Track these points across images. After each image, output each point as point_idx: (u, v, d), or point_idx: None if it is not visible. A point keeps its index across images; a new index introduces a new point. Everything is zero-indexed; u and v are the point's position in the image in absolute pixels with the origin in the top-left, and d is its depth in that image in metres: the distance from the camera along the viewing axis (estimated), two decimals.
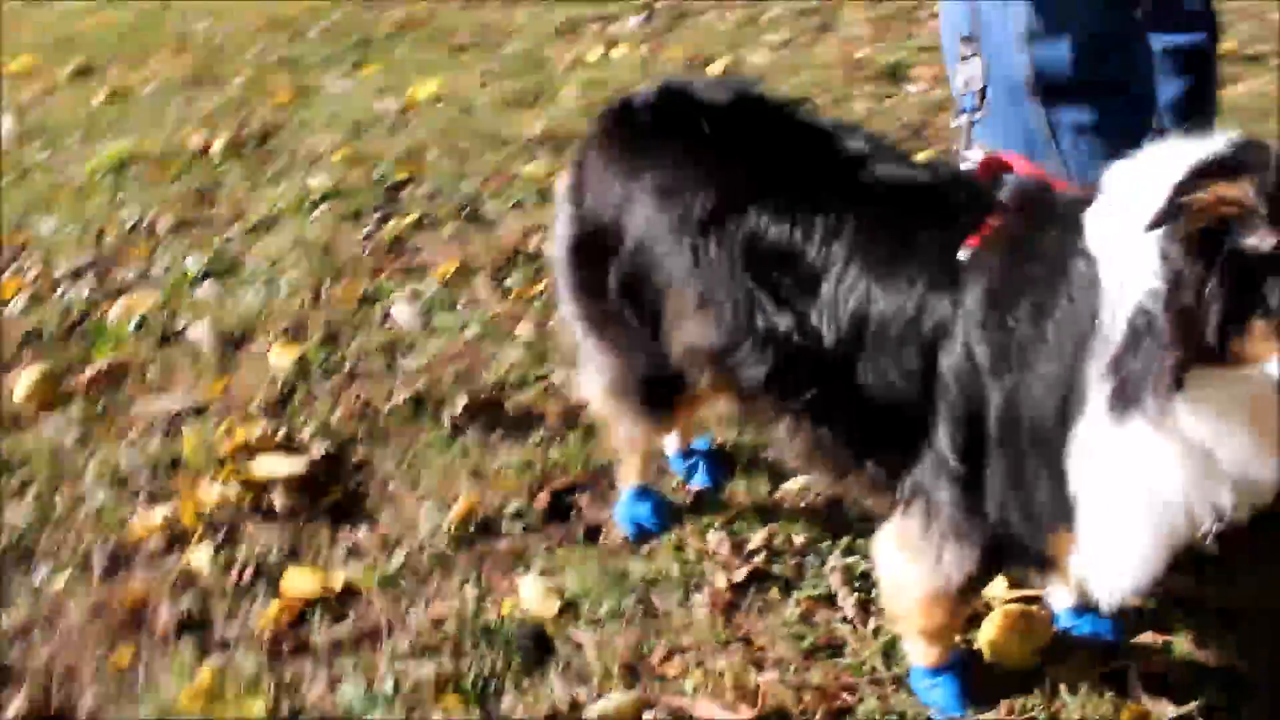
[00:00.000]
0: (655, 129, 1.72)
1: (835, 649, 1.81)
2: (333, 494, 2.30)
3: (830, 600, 1.90)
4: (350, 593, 2.06)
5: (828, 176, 1.54)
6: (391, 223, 3.32)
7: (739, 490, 2.18)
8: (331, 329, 2.83)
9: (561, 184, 1.90)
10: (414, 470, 2.36)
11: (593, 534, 2.14)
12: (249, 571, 2.11)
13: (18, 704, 1.87)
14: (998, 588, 1.82)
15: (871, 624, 1.82)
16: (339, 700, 1.83)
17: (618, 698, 1.78)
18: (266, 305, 2.95)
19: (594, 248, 1.76)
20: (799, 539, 2.03)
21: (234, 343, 2.83)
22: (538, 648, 1.89)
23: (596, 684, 1.82)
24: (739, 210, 1.55)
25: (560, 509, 2.22)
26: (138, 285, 3.09)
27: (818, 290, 1.49)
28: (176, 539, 2.20)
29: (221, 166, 3.76)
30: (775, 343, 1.54)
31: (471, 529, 2.19)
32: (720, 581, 1.97)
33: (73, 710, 1.88)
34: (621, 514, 2.10)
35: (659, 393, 1.85)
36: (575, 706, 1.79)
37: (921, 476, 1.46)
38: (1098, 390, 1.23)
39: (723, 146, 1.64)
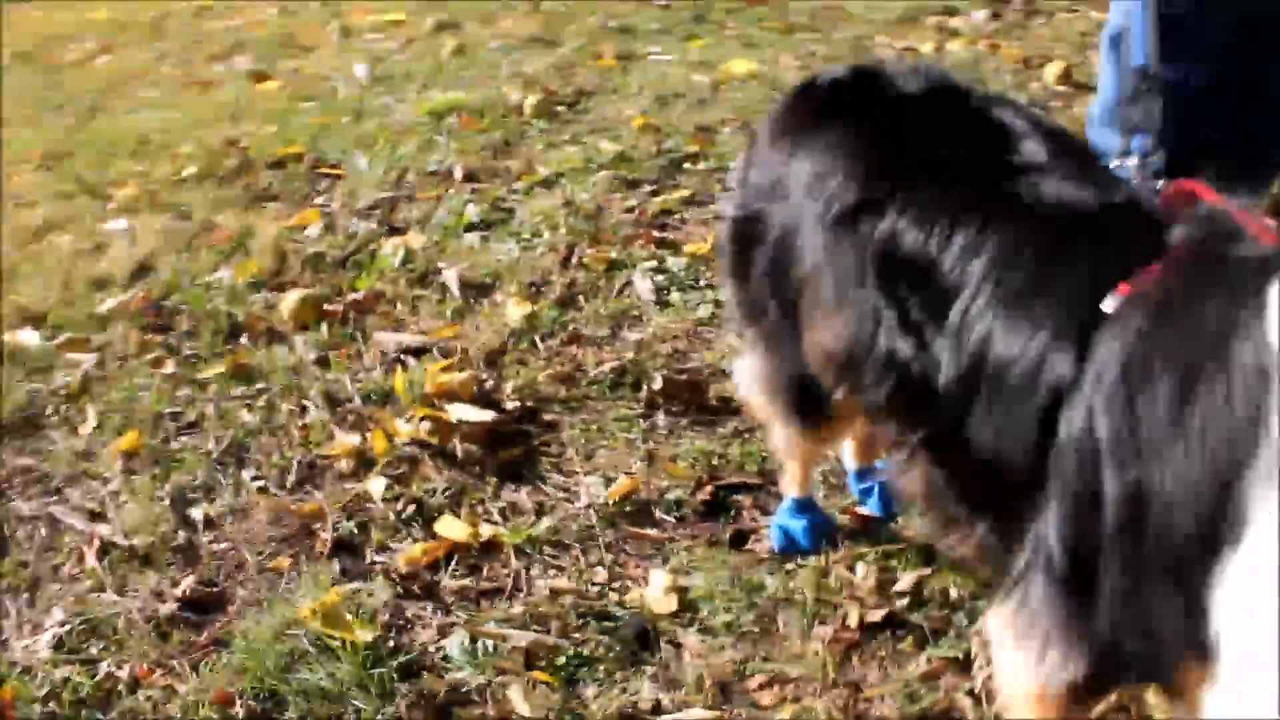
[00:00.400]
0: (827, 111, 1.61)
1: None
2: (512, 450, 2.36)
3: (964, 666, 1.68)
4: (491, 547, 2.11)
5: (986, 184, 1.35)
6: (662, 196, 3.35)
7: (910, 524, 1.98)
8: (571, 291, 2.91)
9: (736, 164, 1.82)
10: (594, 441, 2.37)
11: (740, 539, 2.05)
12: (410, 509, 2.22)
13: (189, 583, 2.09)
14: None
15: (996, 707, 1.58)
16: (440, 649, 1.88)
17: (699, 714, 1.68)
18: (519, 259, 3.07)
19: (749, 231, 1.68)
20: (954, 592, 1.81)
21: (478, 290, 2.97)
22: (640, 643, 1.84)
23: (684, 694, 1.73)
24: (878, 209, 1.41)
25: (719, 506, 2.14)
26: (416, 226, 3.33)
27: (945, 314, 1.31)
28: (363, 465, 2.35)
29: (529, 123, 3.97)
30: (895, 364, 1.38)
31: (626, 509, 2.16)
32: (853, 618, 1.81)
33: (228, 601, 2.07)
34: (775, 524, 1.99)
35: (808, 398, 1.72)
36: (656, 710, 1.72)
37: (1028, 559, 1.25)
38: (1264, 510, 0.97)
39: (884, 136, 1.50)
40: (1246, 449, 0.98)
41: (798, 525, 1.95)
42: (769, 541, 2.00)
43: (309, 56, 5.09)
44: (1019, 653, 1.31)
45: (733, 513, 2.12)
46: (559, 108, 4.10)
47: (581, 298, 2.91)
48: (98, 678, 1.91)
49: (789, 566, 1.96)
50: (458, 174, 3.66)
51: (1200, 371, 1.04)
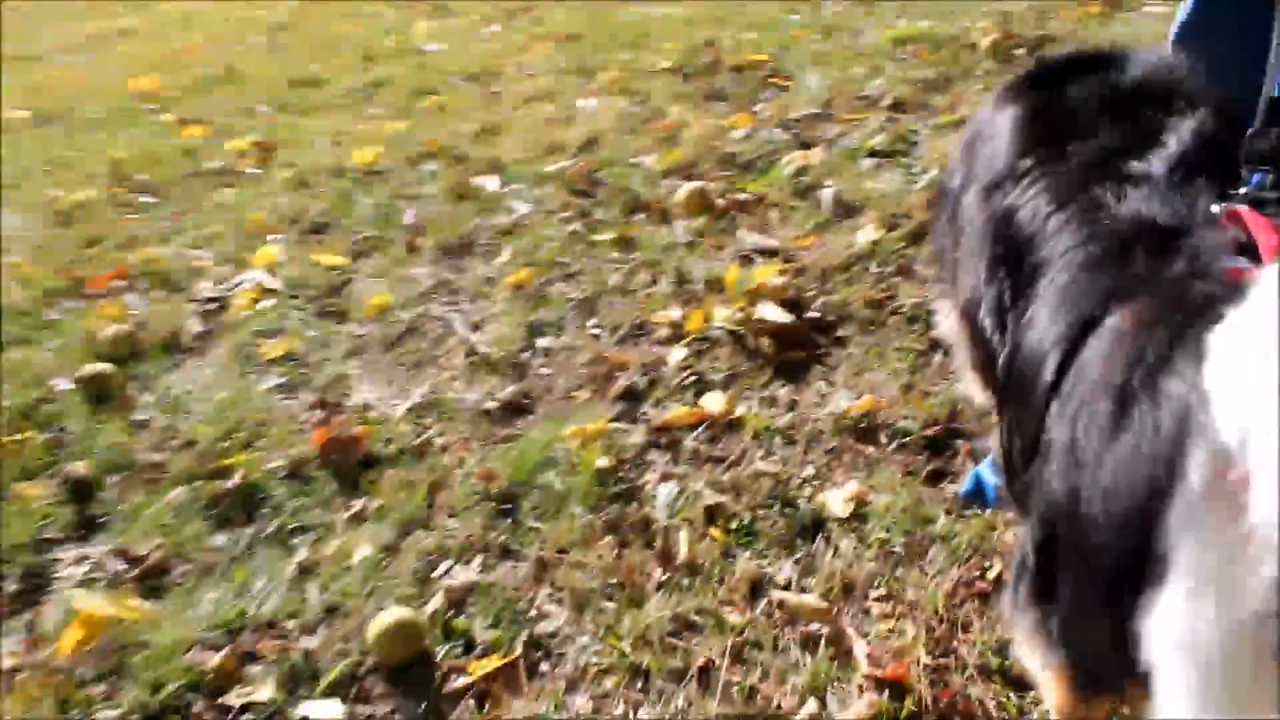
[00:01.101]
0: (1029, 87, 1.71)
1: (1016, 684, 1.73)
2: (796, 353, 2.67)
3: None
4: (735, 426, 2.47)
5: (1089, 181, 1.43)
6: None
7: None
8: (924, 229, 3.08)
9: None
10: (868, 363, 2.60)
11: (936, 477, 2.21)
12: (692, 379, 2.63)
13: (511, 390, 2.70)
14: None
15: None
16: (654, 492, 2.30)
17: (812, 599, 1.95)
18: (897, 191, 3.28)
19: (944, 190, 1.83)
20: None
21: (846, 211, 3.25)
22: (803, 534, 2.12)
23: (812, 581, 2.00)
24: (1008, 185, 1.53)
25: (939, 446, 2.30)
26: (824, 144, 3.64)
27: (1018, 293, 1.45)
28: (675, 336, 2.80)
29: (978, 61, 4.05)
30: (983, 337, 1.53)
31: (859, 425, 2.39)
32: (991, 573, 1.94)
33: (530, 411, 2.65)
34: (973, 470, 2.13)
35: (986, 355, 1.86)
36: (786, 587, 2.01)
37: (1019, 556, 1.38)
38: (1183, 554, 1.00)
39: (1051, 119, 1.59)
40: (1166, 487, 1.01)
41: (990, 480, 2.06)
42: (960, 486, 2.13)
43: None
44: (1019, 640, 1.44)
45: (947, 454, 2.26)
46: (1017, 50, 4.09)
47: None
48: (423, 438, 2.57)
49: (968, 513, 2.08)
50: (886, 101, 3.87)
51: (1134, 401, 1.12)
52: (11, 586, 2.40)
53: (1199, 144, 1.46)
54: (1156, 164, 1.40)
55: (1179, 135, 1.47)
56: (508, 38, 5.35)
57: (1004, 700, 1.72)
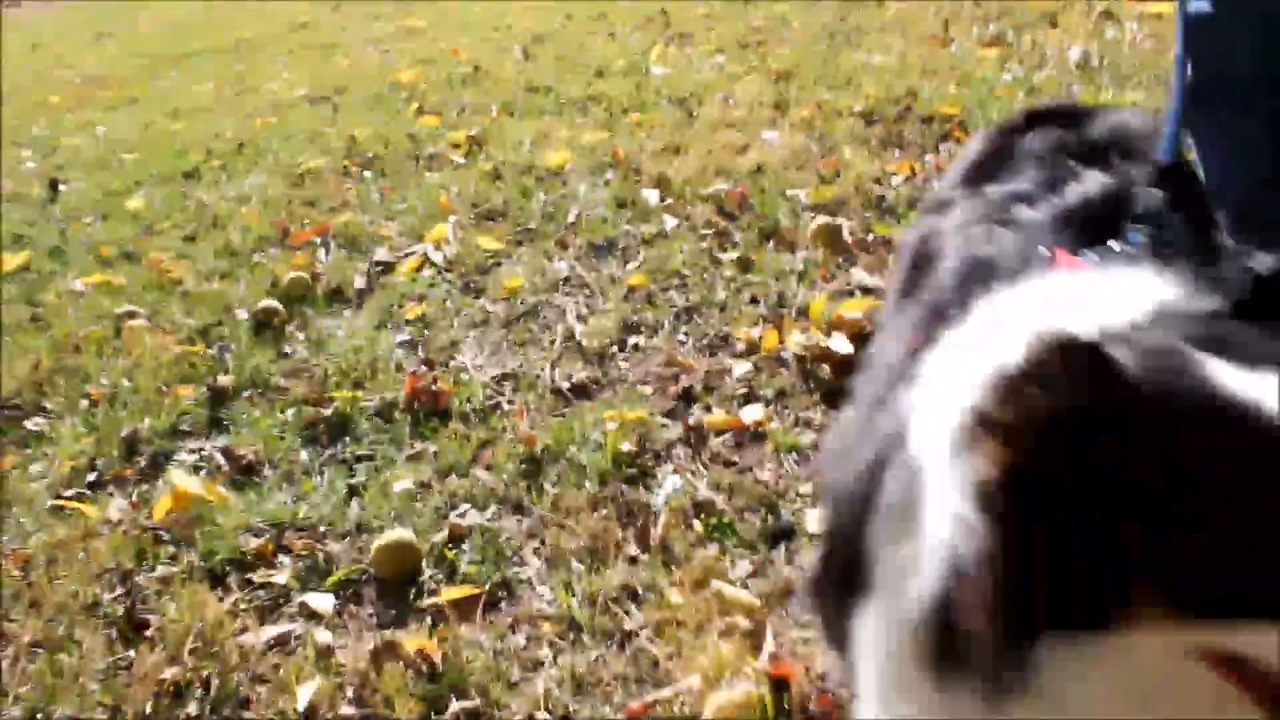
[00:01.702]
0: (1005, 133, 1.81)
1: None
2: (847, 383, 2.80)
3: None
4: (760, 438, 2.63)
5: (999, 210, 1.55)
6: None
7: None
8: None
9: None
10: None
11: None
12: (744, 391, 2.82)
13: (582, 377, 2.99)
14: None
15: None
16: (662, 481, 2.52)
17: (745, 598, 2.12)
18: None
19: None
20: None
21: None
22: (780, 539, 2.28)
23: (759, 584, 2.16)
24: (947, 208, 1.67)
25: None
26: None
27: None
28: (748, 352, 2.99)
29: None
30: None
31: None
32: None
33: (591, 397, 2.92)
34: None
35: None
36: (729, 580, 2.18)
37: None
38: (874, 572, 1.10)
39: (999, 164, 1.70)
40: (876, 497, 1.11)
41: None
42: None
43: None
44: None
45: None
46: None
47: None
48: (494, 402, 2.89)
49: None
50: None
51: (877, 411, 1.26)
52: (141, 462, 2.92)
53: (1100, 199, 1.54)
54: (1043, 211, 1.50)
55: (1086, 189, 1.56)
56: (729, 68, 5.64)
57: None
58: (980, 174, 1.71)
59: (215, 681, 2.11)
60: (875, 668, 1.16)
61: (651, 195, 4.08)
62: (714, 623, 2.07)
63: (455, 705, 1.98)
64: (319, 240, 4.15)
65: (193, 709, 2.07)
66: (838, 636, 1.27)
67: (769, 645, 1.98)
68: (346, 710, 1.99)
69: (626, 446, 2.60)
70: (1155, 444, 0.81)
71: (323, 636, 2.20)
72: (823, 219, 3.60)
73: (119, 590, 2.42)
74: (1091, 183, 1.58)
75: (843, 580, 1.20)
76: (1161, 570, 0.81)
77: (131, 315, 3.75)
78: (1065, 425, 0.80)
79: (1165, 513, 0.80)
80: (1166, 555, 0.80)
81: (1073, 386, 0.80)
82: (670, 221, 3.85)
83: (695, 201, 3.97)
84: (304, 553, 2.46)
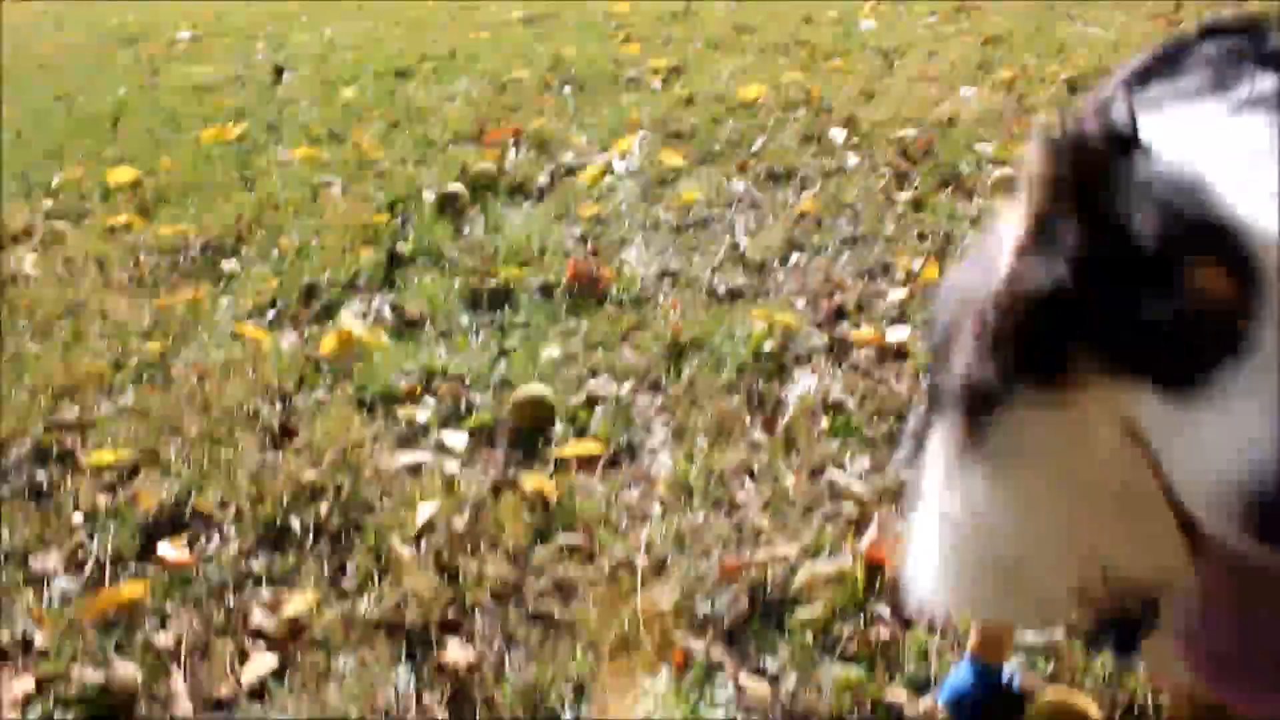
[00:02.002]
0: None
1: None
2: None
3: None
4: (902, 355, 2.61)
5: None
6: None
7: None
8: None
9: None
10: None
11: None
12: (896, 313, 2.80)
13: (739, 283, 3.03)
14: None
15: None
16: (798, 380, 2.54)
17: (857, 488, 2.13)
18: None
19: None
20: None
21: None
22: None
23: (871, 481, 2.17)
24: None
25: None
26: None
27: None
28: (905, 280, 2.96)
29: None
30: None
31: None
32: None
33: (744, 298, 2.95)
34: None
35: None
36: (841, 469, 2.19)
37: None
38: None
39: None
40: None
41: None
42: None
43: None
44: None
45: None
46: None
47: None
48: (651, 296, 2.96)
49: None
50: None
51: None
52: (316, 307, 3.12)
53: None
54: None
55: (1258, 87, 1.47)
56: (939, 29, 5.52)
57: None
58: (1142, 77, 1.64)
59: (347, 489, 2.25)
60: (933, 467, 1.17)
61: (839, 134, 4.05)
62: (822, 507, 2.08)
63: (561, 538, 2.06)
64: (511, 141, 4.29)
65: (323, 508, 2.21)
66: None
67: (871, 533, 1.97)
68: (459, 528, 2.08)
69: (769, 347, 2.62)
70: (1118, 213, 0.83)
71: (450, 468, 2.31)
72: (1006, 172, 3.50)
73: (278, 405, 2.59)
74: (1266, 82, 1.50)
75: (932, 406, 1.21)
76: (1100, 329, 0.82)
77: (329, 185, 3.98)
78: (1079, 186, 0.86)
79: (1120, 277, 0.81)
80: (1107, 315, 0.81)
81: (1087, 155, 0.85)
82: (852, 159, 3.83)
83: (880, 144, 3.92)
84: (448, 398, 2.58)
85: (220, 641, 1.87)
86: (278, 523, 2.19)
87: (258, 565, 2.09)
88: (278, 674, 1.83)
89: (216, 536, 2.16)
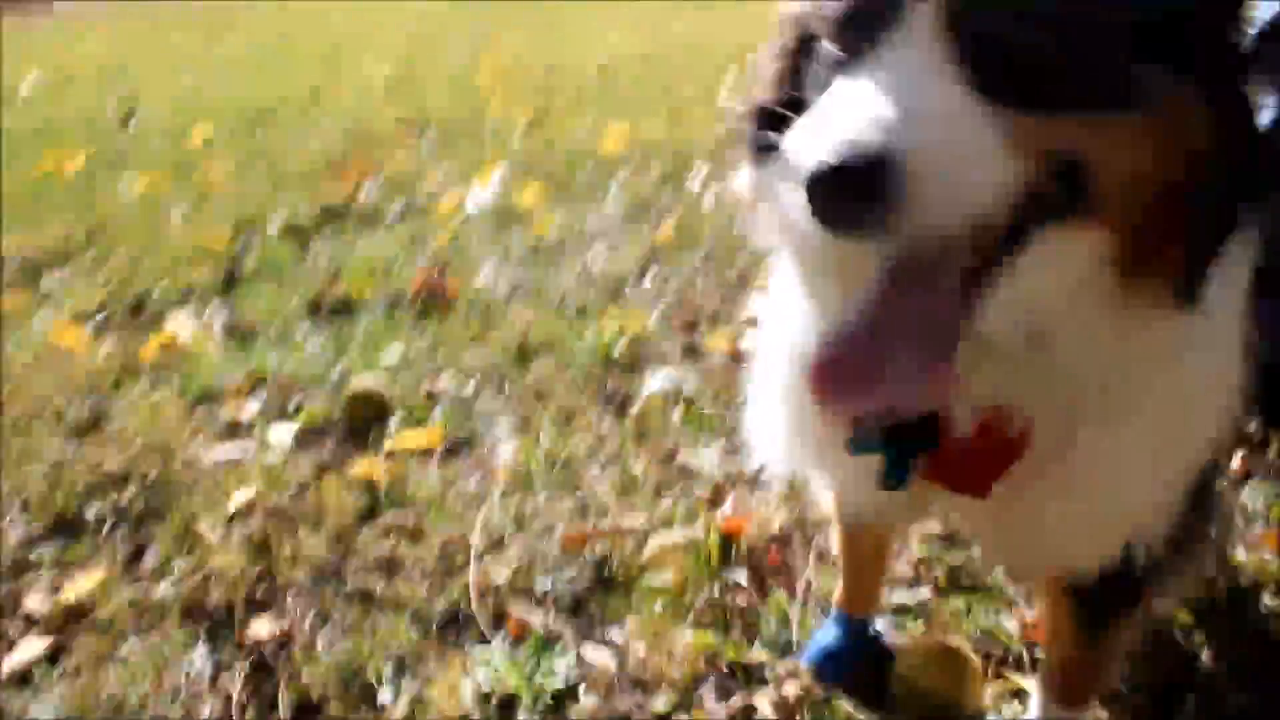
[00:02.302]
0: None
1: None
2: None
3: None
4: None
5: None
6: None
7: None
8: None
9: None
10: None
11: None
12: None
13: (594, 298, 2.93)
14: None
15: None
16: (653, 376, 2.43)
17: (704, 468, 2.02)
18: None
19: None
20: None
21: None
22: None
23: (713, 460, 2.06)
24: None
25: None
26: None
27: None
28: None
29: None
30: None
31: None
32: None
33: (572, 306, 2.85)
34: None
35: None
36: (676, 451, 2.08)
37: None
38: None
39: None
40: None
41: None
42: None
43: None
44: None
45: None
46: None
47: None
48: (496, 305, 2.83)
49: None
50: None
51: None
52: (143, 318, 2.90)
53: None
54: None
55: None
56: None
57: None
58: None
59: (154, 476, 2.04)
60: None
61: (697, 177, 4.05)
62: (673, 489, 1.97)
63: (388, 516, 1.88)
64: (366, 177, 4.17)
65: (125, 496, 1.99)
66: None
67: (726, 508, 1.86)
68: (276, 510, 1.89)
69: (620, 350, 2.52)
70: None
71: (272, 459, 2.12)
72: None
73: (86, 403, 2.36)
74: None
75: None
76: None
77: (169, 212, 3.78)
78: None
79: None
80: None
81: None
82: (710, 200, 3.81)
83: None
84: (278, 397, 2.39)
85: None
86: (71, 512, 1.95)
87: (43, 553, 1.84)
88: (51, 660, 1.59)
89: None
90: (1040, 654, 1.43)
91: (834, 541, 1.58)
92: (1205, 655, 1.52)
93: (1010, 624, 1.59)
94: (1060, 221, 0.82)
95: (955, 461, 1.01)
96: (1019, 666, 1.51)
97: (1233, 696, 1.43)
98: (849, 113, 0.75)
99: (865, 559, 1.50)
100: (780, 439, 1.17)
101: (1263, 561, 1.69)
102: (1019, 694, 1.47)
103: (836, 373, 0.84)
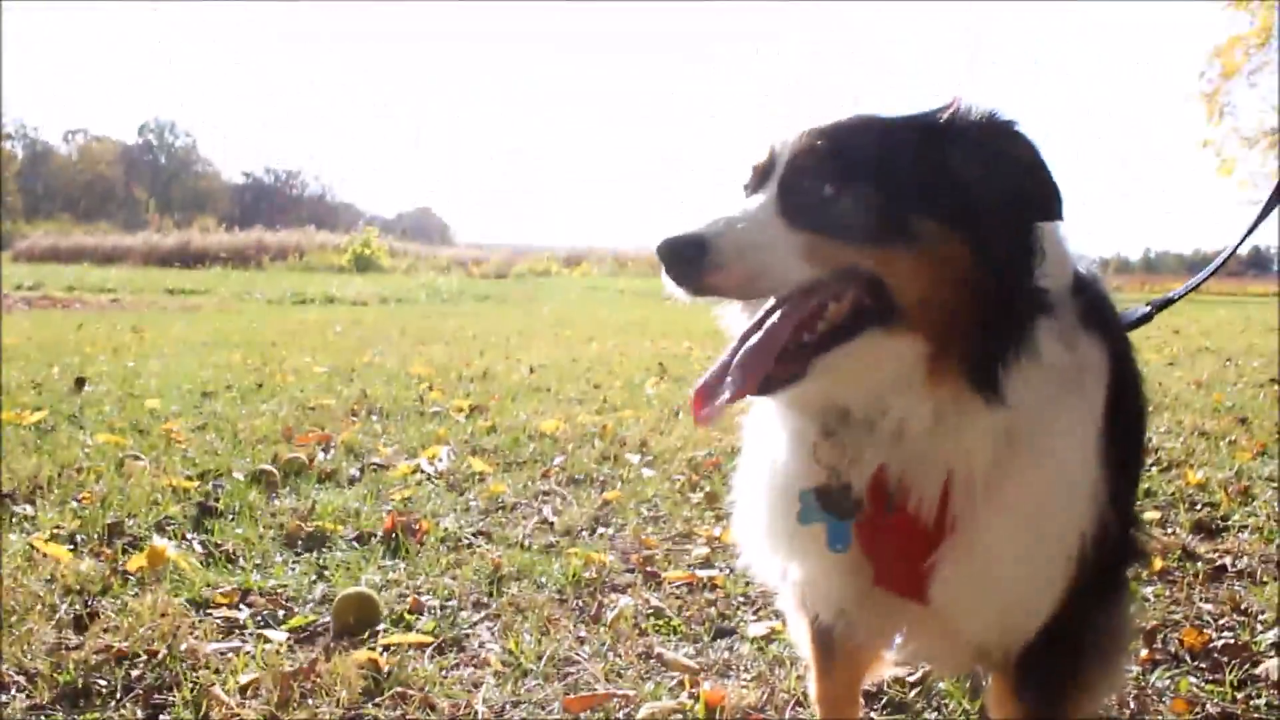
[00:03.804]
0: None
1: None
2: None
3: None
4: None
5: None
6: None
7: None
8: None
9: None
10: None
11: None
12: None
13: (529, 528, 3.15)
14: None
15: None
16: (617, 604, 2.64)
17: None
18: None
19: None
20: None
21: None
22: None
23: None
24: None
25: None
26: None
27: None
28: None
29: None
30: None
31: None
32: None
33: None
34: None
35: None
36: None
37: None
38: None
39: None
40: None
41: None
42: None
43: None
44: None
45: None
46: None
47: None
48: (463, 546, 3.03)
49: None
50: None
51: None
52: (120, 544, 3.00)
53: None
54: None
55: None
56: None
57: None
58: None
59: (162, 654, 2.13)
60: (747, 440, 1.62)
61: (634, 456, 4.37)
62: (654, 677, 2.14)
63: (394, 693, 2.01)
64: (319, 445, 4.39)
65: (134, 673, 2.08)
66: None
67: (707, 686, 2.04)
68: (286, 685, 2.00)
69: (588, 576, 2.73)
70: None
71: (270, 647, 2.23)
72: None
73: (76, 604, 2.45)
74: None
75: None
76: None
77: (136, 459, 3.92)
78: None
79: None
80: None
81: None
82: (648, 472, 4.12)
83: (673, 464, 4.25)
84: (266, 607, 2.52)
85: None
86: (79, 685, 2.03)
87: (54, 716, 1.91)
88: None
89: (5, 695, 1.98)
90: None
91: (811, 689, 1.78)
92: None
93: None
94: (882, 327, 1.24)
95: (889, 557, 1.40)
96: None
97: None
98: (701, 220, 1.24)
99: (840, 697, 1.72)
100: (760, 540, 1.50)
101: None
102: None
103: (701, 392, 1.28)
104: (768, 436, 1.47)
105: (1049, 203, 1.29)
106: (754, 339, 1.29)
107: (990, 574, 1.34)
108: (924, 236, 1.23)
